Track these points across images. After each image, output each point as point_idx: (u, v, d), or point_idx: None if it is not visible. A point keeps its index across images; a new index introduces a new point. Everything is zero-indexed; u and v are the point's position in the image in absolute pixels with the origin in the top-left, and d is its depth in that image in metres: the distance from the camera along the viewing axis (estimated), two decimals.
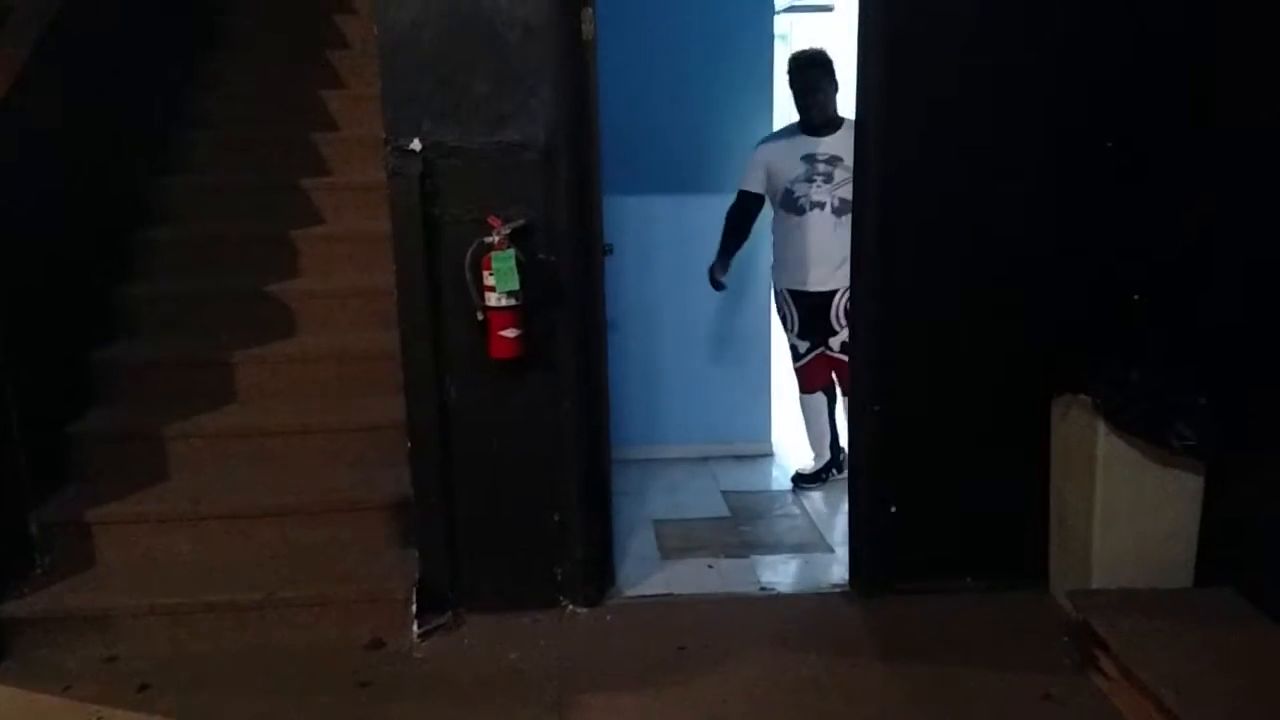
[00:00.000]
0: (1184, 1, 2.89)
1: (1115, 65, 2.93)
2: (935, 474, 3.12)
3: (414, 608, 2.94)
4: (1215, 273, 2.91)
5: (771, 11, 4.41)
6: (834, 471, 4.19)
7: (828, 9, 6.34)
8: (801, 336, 4.05)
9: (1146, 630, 2.59)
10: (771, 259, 4.09)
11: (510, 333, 2.86)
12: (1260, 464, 2.77)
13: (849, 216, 3.33)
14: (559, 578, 3.11)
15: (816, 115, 3.82)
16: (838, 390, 4.11)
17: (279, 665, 2.83)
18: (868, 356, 3.09)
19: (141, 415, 3.30)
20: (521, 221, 2.86)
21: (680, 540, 3.66)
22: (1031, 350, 3.07)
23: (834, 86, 3.83)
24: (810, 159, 3.81)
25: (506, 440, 3.02)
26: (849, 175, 3.40)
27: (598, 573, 3.18)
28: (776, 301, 4.13)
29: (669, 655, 2.89)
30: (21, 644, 2.85)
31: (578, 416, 3.03)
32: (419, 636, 2.94)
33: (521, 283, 2.80)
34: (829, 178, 3.78)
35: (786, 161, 3.85)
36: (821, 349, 4.01)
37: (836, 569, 3.39)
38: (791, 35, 6.59)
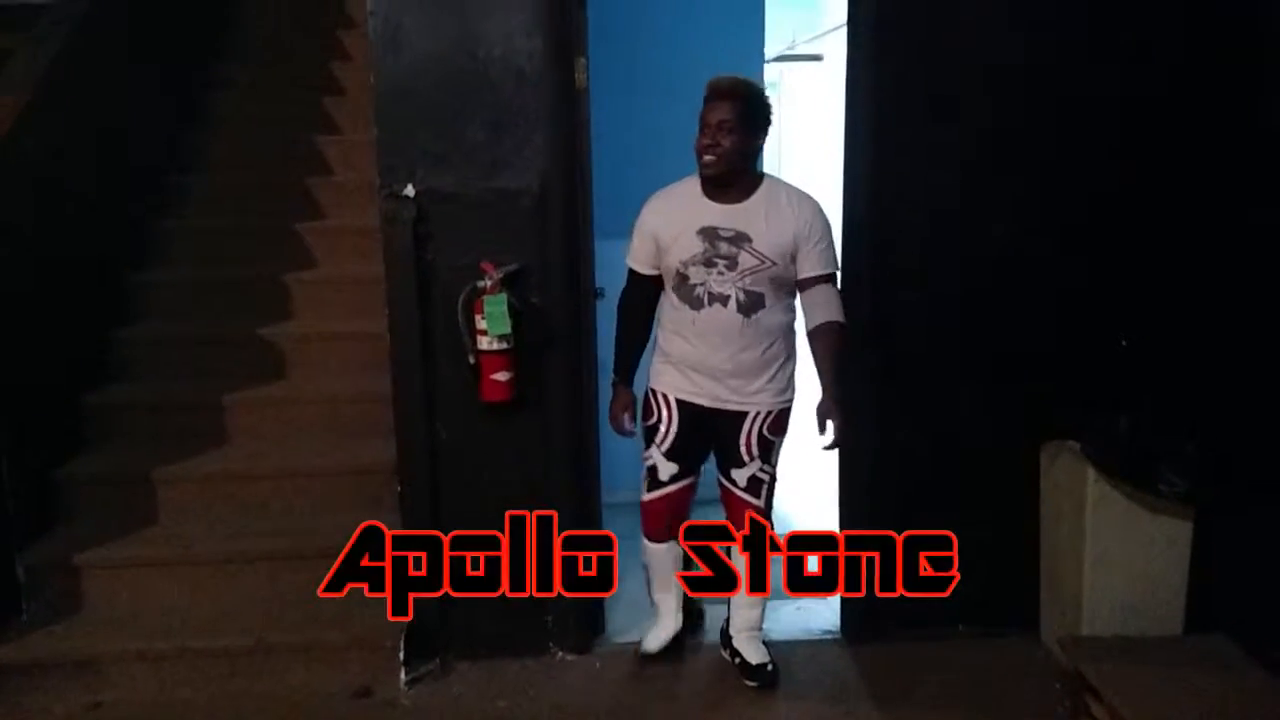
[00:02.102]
0: (1169, 63, 2.95)
1: (1110, 119, 2.98)
2: (926, 520, 3.12)
3: (402, 655, 2.92)
4: (1203, 319, 2.94)
5: (761, 60, 4.47)
6: (687, 638, 3.18)
7: (817, 59, 6.42)
8: (671, 456, 2.88)
9: (1138, 677, 2.58)
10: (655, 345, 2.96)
11: (502, 376, 2.87)
12: (1249, 510, 2.78)
13: (762, 314, 2.71)
14: (549, 624, 3.10)
15: (716, 166, 2.66)
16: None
17: (266, 712, 2.80)
18: (861, 403, 3.10)
19: (132, 459, 3.30)
20: (514, 266, 2.88)
21: None
22: (1021, 397, 3.09)
23: (754, 133, 2.71)
24: (710, 235, 2.70)
25: (497, 483, 3.01)
26: (760, 262, 2.68)
27: (588, 619, 3.17)
28: (646, 401, 2.92)
29: (660, 704, 2.87)
30: (6, 690, 2.82)
31: (568, 459, 3.03)
32: (407, 684, 2.91)
33: (513, 327, 2.82)
34: (733, 263, 2.68)
35: (679, 232, 2.73)
36: (691, 479, 2.93)
37: (828, 615, 3.37)
38: (781, 84, 6.67)
